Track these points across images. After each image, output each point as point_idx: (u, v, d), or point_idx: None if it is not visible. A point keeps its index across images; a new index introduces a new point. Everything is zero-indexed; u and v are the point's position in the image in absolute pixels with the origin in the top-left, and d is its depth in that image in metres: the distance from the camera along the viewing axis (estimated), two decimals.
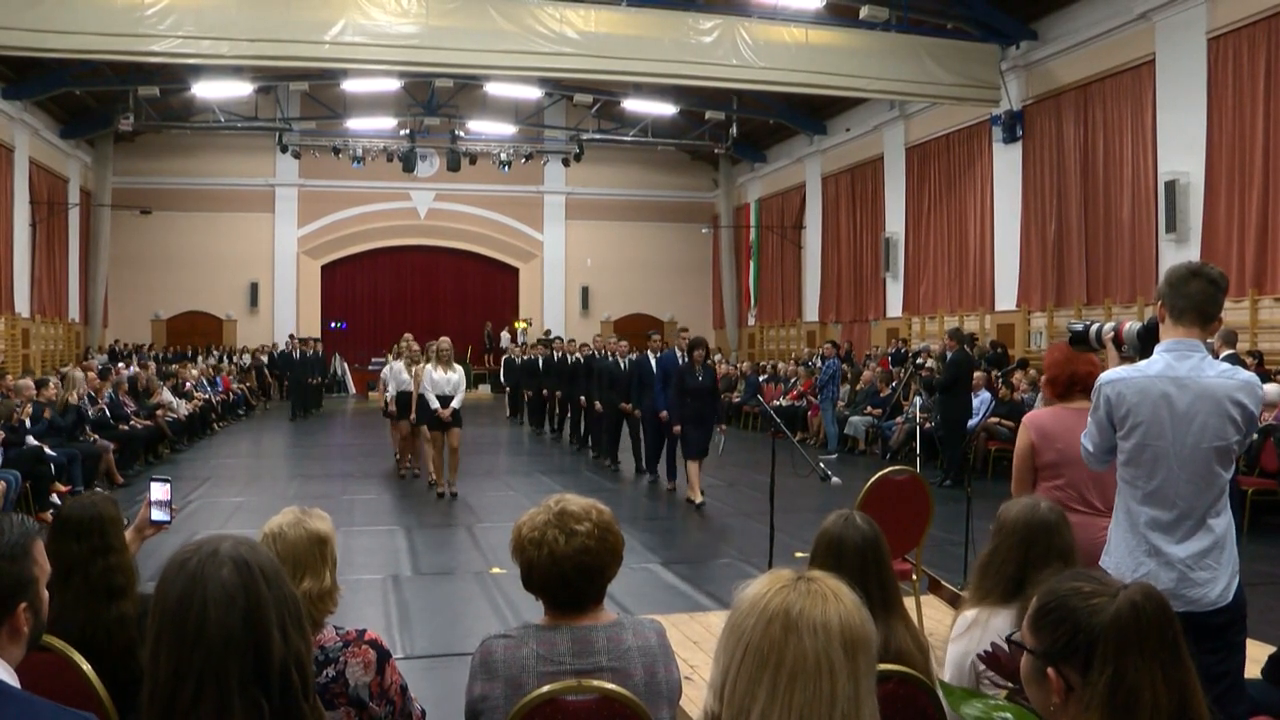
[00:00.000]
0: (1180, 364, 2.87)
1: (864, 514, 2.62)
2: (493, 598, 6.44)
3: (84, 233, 23.09)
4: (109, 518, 2.61)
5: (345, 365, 26.40)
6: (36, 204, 19.79)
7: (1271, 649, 3.64)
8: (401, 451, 11.89)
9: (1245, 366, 7.91)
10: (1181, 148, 12.61)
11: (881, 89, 15.27)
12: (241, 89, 20.04)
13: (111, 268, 24.02)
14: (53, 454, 9.65)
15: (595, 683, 2.17)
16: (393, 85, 19.96)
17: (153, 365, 16.73)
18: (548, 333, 24.63)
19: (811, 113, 21.88)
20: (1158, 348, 2.95)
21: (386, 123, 23.13)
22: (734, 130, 21.84)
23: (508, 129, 23.47)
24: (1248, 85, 11.83)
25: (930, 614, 5.18)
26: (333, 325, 26.85)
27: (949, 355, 11.69)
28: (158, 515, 2.99)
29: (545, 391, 16.49)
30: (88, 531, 2.56)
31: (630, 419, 11.93)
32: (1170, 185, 12.64)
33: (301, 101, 22.66)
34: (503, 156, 23.96)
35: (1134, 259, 13.55)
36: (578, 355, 14.32)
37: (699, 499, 9.70)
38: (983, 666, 2.22)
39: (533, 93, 20.53)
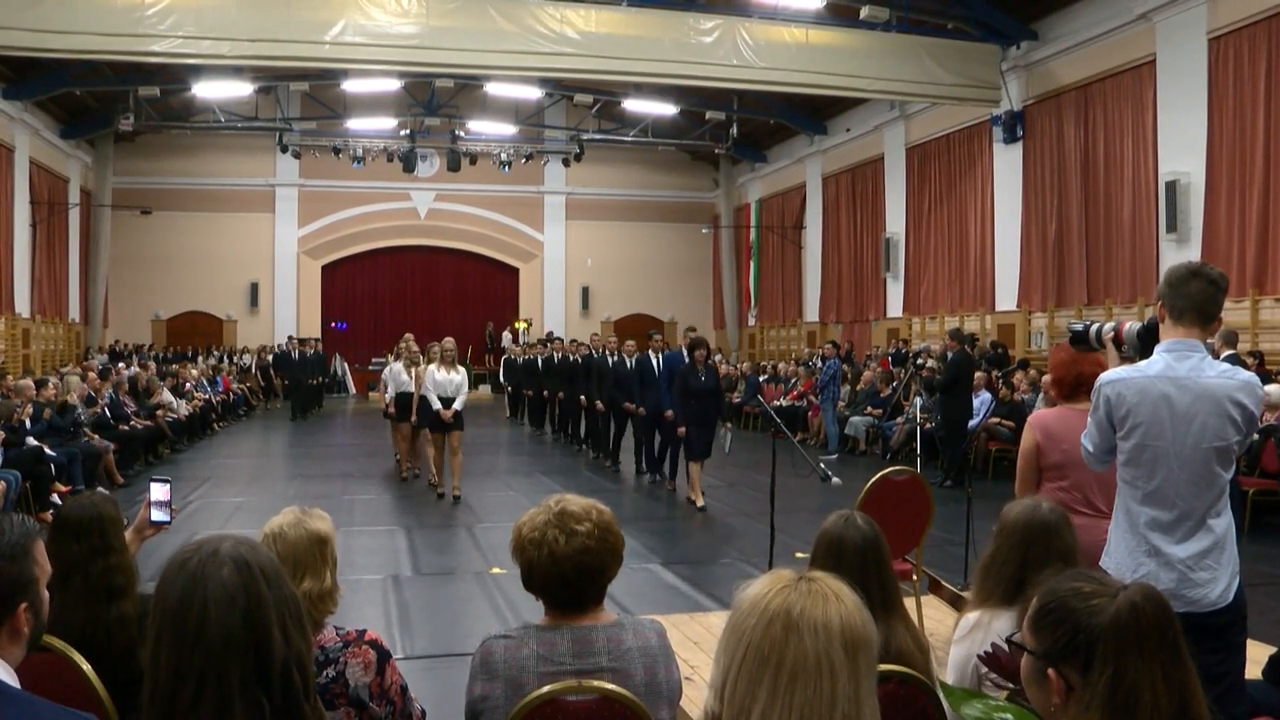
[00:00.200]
0: (1180, 364, 2.87)
1: (864, 514, 2.62)
2: (493, 598, 6.44)
3: (84, 233, 23.08)
4: (109, 518, 2.61)
5: (345, 365, 26.40)
6: (37, 204, 19.78)
7: (1272, 650, 3.64)
8: (402, 453, 11.81)
9: (1246, 367, 7.91)
10: (1182, 148, 12.61)
11: (882, 89, 15.26)
12: (242, 89, 20.02)
13: (111, 268, 24.01)
14: (53, 454, 9.65)
15: (595, 683, 2.17)
16: (393, 85, 19.96)
17: (153, 365, 16.74)
18: (550, 334, 24.64)
19: (812, 113, 21.87)
20: (1158, 348, 2.95)
21: (387, 123, 23.12)
22: (734, 130, 21.82)
23: (508, 129, 23.45)
24: (1248, 85, 11.82)
25: (930, 614, 5.18)
26: (333, 325, 26.86)
27: (949, 355, 11.69)
28: (158, 515, 2.98)
29: (546, 392, 16.48)
30: (88, 531, 2.56)
31: (634, 419, 11.89)
32: (1171, 185, 12.64)
33: (301, 101, 22.65)
34: (503, 157, 23.95)
35: (1134, 259, 13.54)
36: (577, 355, 14.31)
37: (700, 501, 9.70)
38: (984, 668, 2.22)
39: (533, 93, 20.52)
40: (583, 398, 13.43)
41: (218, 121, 21.83)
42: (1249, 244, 11.85)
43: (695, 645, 4.99)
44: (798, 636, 1.45)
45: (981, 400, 12.03)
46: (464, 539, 8.40)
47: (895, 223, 19.53)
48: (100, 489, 10.15)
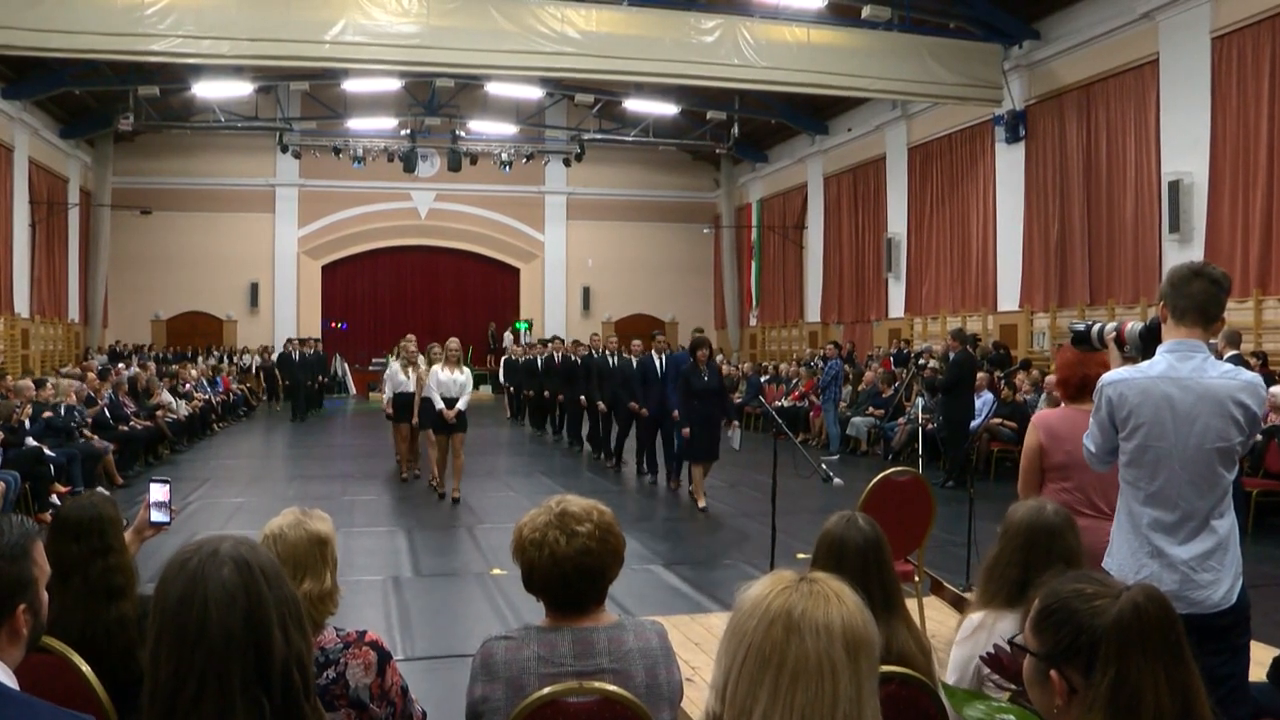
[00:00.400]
0: (1182, 365, 2.86)
1: (866, 515, 2.62)
2: (493, 599, 6.43)
3: (84, 233, 23.08)
4: (108, 518, 2.61)
5: (346, 366, 26.40)
6: (36, 204, 19.79)
7: (1276, 651, 3.64)
8: (403, 454, 11.72)
9: (1249, 367, 7.89)
10: (1185, 147, 12.60)
11: (883, 89, 15.25)
12: (242, 89, 20.03)
13: (111, 268, 24.02)
14: (52, 455, 9.64)
15: (596, 684, 2.17)
16: (393, 85, 19.96)
17: (153, 366, 16.74)
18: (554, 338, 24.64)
19: (813, 113, 21.87)
20: (1160, 348, 2.94)
21: (387, 123, 23.12)
22: (735, 130, 21.83)
23: (509, 129, 23.45)
24: (1251, 85, 11.81)
25: (932, 615, 5.18)
26: (334, 325, 26.86)
27: (951, 356, 11.68)
28: (157, 516, 2.98)
29: (546, 392, 16.47)
30: (87, 532, 2.56)
31: (638, 419, 11.84)
32: (1174, 185, 12.63)
33: (302, 101, 22.66)
34: (504, 156, 23.95)
35: (1137, 259, 13.53)
36: (577, 356, 14.29)
37: (702, 502, 9.68)
38: (986, 670, 2.21)
39: (534, 93, 20.52)
40: (583, 398, 13.42)
41: (218, 121, 21.84)
42: (1252, 244, 11.83)
43: (696, 646, 4.99)
44: (799, 637, 1.44)
45: (983, 401, 12.01)
46: (464, 540, 8.39)
47: (897, 223, 19.52)
48: (100, 490, 10.14)
